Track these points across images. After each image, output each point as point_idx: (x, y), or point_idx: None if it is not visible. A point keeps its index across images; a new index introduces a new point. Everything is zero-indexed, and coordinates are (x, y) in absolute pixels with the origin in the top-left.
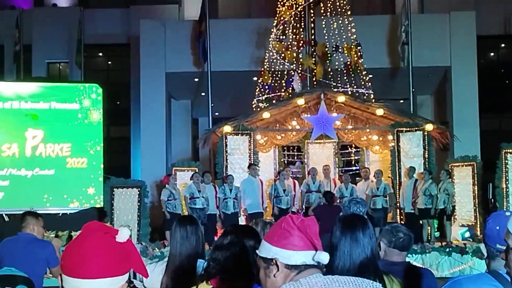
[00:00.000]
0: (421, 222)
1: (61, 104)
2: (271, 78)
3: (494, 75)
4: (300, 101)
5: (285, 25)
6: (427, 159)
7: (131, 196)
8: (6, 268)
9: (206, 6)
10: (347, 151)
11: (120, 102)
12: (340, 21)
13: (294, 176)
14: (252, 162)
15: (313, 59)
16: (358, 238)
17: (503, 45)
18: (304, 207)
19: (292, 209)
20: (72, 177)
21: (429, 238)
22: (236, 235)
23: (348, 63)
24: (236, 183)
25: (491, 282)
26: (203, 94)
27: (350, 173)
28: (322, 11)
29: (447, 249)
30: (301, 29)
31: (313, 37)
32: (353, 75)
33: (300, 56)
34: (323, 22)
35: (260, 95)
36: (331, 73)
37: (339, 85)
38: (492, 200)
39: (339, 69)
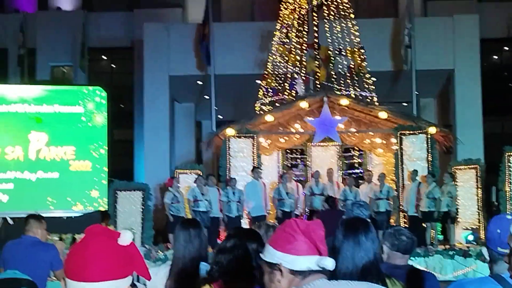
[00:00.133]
0: (424, 225)
1: (65, 107)
2: (274, 81)
3: (497, 78)
4: (304, 104)
5: (289, 29)
6: (430, 162)
7: (135, 199)
8: (10, 271)
9: (210, 9)
10: (350, 154)
11: (124, 105)
12: (343, 25)
13: (298, 179)
14: (255, 165)
15: (317, 62)
16: (360, 241)
17: (506, 48)
18: (307, 210)
19: (296, 212)
20: (76, 180)
21: (433, 241)
22: (239, 238)
23: (351, 66)
24: (239, 186)
25: (494, 286)
26: (206, 97)
27: (354, 176)
28: (325, 14)
29: (451, 252)
30: (305, 32)
31: (316, 40)
32: (356, 78)
33: (304, 59)
34: (326, 26)
35: (264, 98)
36: (334, 76)
37: (342, 88)
38: (496, 203)
39: (342, 72)
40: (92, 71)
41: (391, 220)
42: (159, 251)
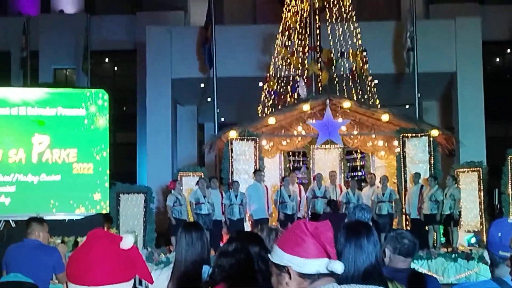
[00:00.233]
0: (427, 228)
1: (68, 110)
2: (276, 84)
3: (500, 81)
4: (306, 107)
5: (291, 31)
6: (432, 165)
7: (137, 202)
8: (13, 274)
9: (212, 12)
10: (352, 156)
11: (126, 108)
12: (345, 27)
13: (300, 181)
14: (257, 168)
15: (319, 65)
16: (362, 245)
17: (508, 50)
18: (310, 213)
19: (298, 214)
20: (78, 183)
21: (435, 244)
22: (241, 242)
23: (354, 69)
24: (242, 188)
25: None
26: (209, 99)
27: (356, 178)
28: (327, 17)
29: (453, 255)
30: (307, 35)
31: (318, 43)
32: (358, 81)
33: (306, 62)
34: (329, 28)
35: (266, 100)
36: (337, 79)
37: (345, 90)
38: (498, 206)
39: (345, 75)
40: (94, 74)
41: (394, 223)
42: (161, 253)
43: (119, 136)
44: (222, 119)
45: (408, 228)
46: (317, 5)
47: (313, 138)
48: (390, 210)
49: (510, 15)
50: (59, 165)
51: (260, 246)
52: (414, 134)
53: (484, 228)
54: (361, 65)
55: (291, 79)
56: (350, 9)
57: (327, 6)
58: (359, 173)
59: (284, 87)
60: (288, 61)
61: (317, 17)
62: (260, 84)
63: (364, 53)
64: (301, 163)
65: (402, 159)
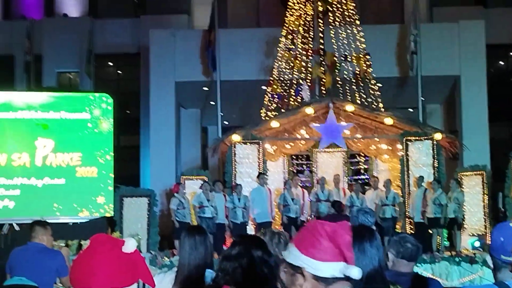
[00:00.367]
0: (430, 231)
1: (71, 114)
2: (280, 87)
3: (503, 84)
4: (309, 110)
5: (294, 35)
6: (436, 168)
7: (141, 205)
8: (17, 278)
9: (216, 15)
10: (356, 160)
11: (130, 111)
12: (349, 31)
13: (303, 185)
14: (261, 171)
15: (322, 68)
16: (365, 249)
17: None
18: (314, 216)
19: (302, 218)
20: (82, 186)
21: (439, 248)
22: (244, 245)
23: (357, 72)
24: (245, 192)
25: None
26: (212, 103)
27: (359, 182)
28: (331, 20)
29: (457, 259)
30: (310, 39)
31: (322, 46)
32: (362, 84)
33: (309, 65)
34: (332, 32)
35: (269, 104)
36: (340, 82)
37: (348, 94)
38: (502, 209)
39: (348, 78)
40: (98, 78)
41: (397, 227)
42: (165, 257)
43: (122, 140)
44: (226, 123)
45: (412, 231)
46: (320, 8)
47: (316, 142)
48: (393, 213)
49: None
50: (63, 168)
51: (263, 250)
52: (417, 138)
53: (488, 232)
54: (364, 68)
55: (294, 82)
56: (353, 13)
57: (330, 9)
58: (363, 177)
59: (288, 91)
60: (292, 64)
61: (320, 20)
62: (264, 87)
63: (368, 57)
64: (304, 166)
65: (405, 163)
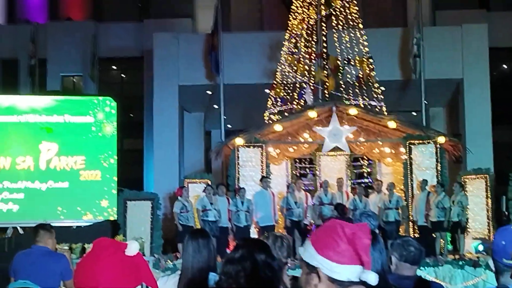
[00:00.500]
0: (434, 235)
1: (75, 117)
2: (283, 90)
3: (506, 87)
4: (312, 114)
5: (297, 38)
6: (439, 172)
7: (144, 209)
8: (21, 281)
9: (219, 19)
10: (359, 163)
11: (134, 115)
12: (352, 34)
13: (306, 188)
14: (264, 175)
15: (325, 72)
16: None
17: None
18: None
19: (305, 221)
20: (86, 190)
21: (442, 251)
22: (247, 249)
23: (360, 75)
24: (248, 195)
25: None
26: (215, 106)
27: (363, 185)
28: (334, 24)
29: (460, 262)
30: (313, 42)
31: (325, 50)
32: (365, 87)
33: (312, 69)
34: (335, 35)
35: (272, 107)
36: (343, 86)
37: (351, 97)
38: (506, 212)
39: (351, 82)
40: (102, 81)
41: (401, 230)
42: (168, 260)
43: (126, 143)
44: (229, 126)
45: (415, 235)
46: (323, 12)
47: (319, 145)
48: (397, 217)
49: None
50: (67, 172)
51: (267, 254)
52: (421, 141)
53: (491, 235)
54: (367, 72)
55: (297, 86)
56: (356, 16)
57: (333, 13)
58: (366, 180)
59: (291, 94)
60: (295, 68)
61: (323, 24)
62: (267, 91)
63: (371, 60)
64: (307, 170)
65: (409, 166)
